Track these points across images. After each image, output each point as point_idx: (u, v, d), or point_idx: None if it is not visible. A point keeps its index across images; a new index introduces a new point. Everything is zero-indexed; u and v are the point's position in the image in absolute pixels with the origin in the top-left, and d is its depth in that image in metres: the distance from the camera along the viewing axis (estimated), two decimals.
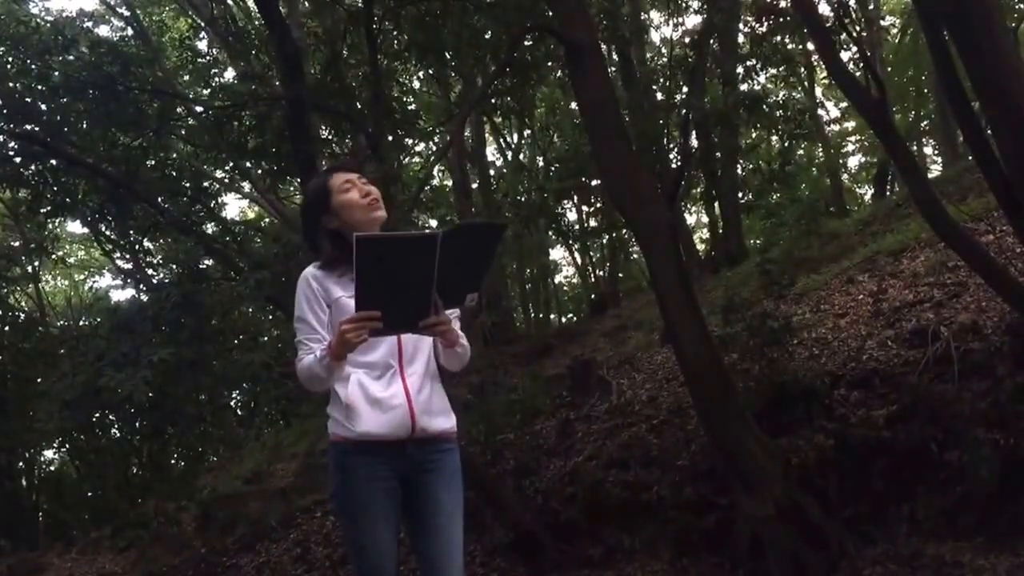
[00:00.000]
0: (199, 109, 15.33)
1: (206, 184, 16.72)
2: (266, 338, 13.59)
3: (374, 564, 3.82)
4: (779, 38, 18.01)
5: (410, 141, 19.63)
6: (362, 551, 3.86)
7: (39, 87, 12.57)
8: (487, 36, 15.49)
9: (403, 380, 3.76)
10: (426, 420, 3.77)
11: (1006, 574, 7.34)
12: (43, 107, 12.63)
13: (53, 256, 25.29)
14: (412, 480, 3.85)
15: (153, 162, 14.14)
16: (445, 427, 3.88)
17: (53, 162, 13.22)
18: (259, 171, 16.48)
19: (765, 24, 17.85)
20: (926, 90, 28.93)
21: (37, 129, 12.63)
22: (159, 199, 13.60)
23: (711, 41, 19.88)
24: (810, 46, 19.92)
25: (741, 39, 20.85)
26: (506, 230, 3.51)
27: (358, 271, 3.32)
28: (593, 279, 31.68)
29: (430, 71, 20.38)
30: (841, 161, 34.85)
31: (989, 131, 7.90)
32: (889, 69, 27.75)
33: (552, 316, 33.43)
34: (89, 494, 24.67)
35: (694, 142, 20.79)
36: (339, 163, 4.34)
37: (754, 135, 25.10)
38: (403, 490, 3.86)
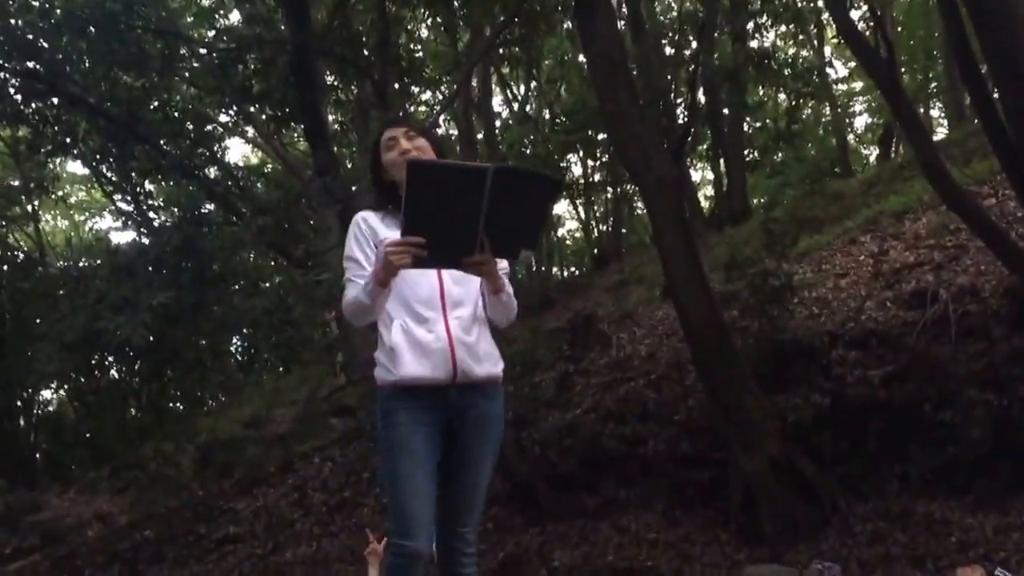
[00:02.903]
0: (203, 51, 15.19)
1: (209, 128, 16.67)
2: (267, 284, 13.60)
3: (407, 505, 3.80)
4: None
5: (416, 89, 19.56)
6: (397, 492, 3.85)
7: (41, 24, 12.45)
8: None
9: (446, 324, 3.78)
10: (469, 364, 3.78)
11: (993, 532, 7.40)
12: (45, 45, 12.51)
13: (53, 196, 25.28)
14: (453, 425, 3.87)
15: (156, 104, 14.06)
16: (491, 372, 3.88)
17: (54, 101, 13.15)
18: (263, 116, 16.38)
19: None
20: (935, 52, 28.81)
21: (38, 67, 12.55)
22: (161, 141, 13.55)
23: None
24: (820, 3, 19.77)
25: None
26: (561, 187, 3.47)
27: (407, 196, 3.30)
28: (596, 233, 31.66)
29: (438, 19, 20.29)
30: (848, 121, 34.77)
31: (996, 95, 7.87)
32: (899, 30, 27.65)
33: (555, 270, 33.43)
34: (88, 435, 24.76)
35: (701, 98, 20.74)
36: (391, 118, 4.38)
37: (761, 93, 25.01)
38: (445, 432, 3.89)
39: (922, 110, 29.81)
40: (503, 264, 3.75)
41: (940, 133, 27.82)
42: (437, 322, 3.78)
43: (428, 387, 3.77)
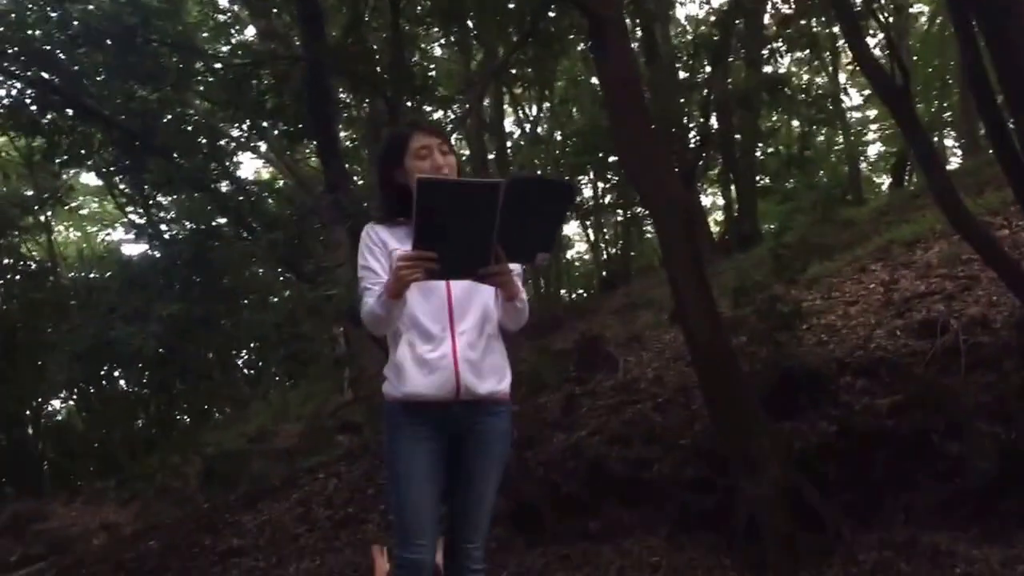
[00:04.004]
0: (218, 66, 15.24)
1: (222, 142, 16.72)
2: (277, 299, 13.62)
3: (410, 521, 3.86)
4: (805, 21, 17.94)
5: (428, 108, 19.60)
6: (401, 507, 3.92)
7: (58, 35, 12.50)
8: (511, 5, 15.44)
9: (452, 340, 3.78)
10: (473, 381, 3.79)
11: (999, 565, 7.32)
12: (61, 56, 12.56)
13: (66, 207, 25.36)
14: (457, 442, 3.91)
15: (170, 117, 14.10)
16: (494, 389, 3.89)
17: (69, 112, 13.18)
18: (276, 131, 16.43)
19: (792, 5, 17.79)
20: (950, 80, 28.77)
21: (54, 78, 12.59)
22: (174, 155, 13.58)
23: (737, 21, 19.82)
24: (836, 30, 19.78)
25: (767, 20, 20.73)
26: (575, 192, 3.44)
27: (417, 213, 3.29)
28: (605, 256, 31.64)
29: (451, 38, 20.35)
30: (861, 148, 34.72)
31: (1011, 125, 7.84)
32: (915, 58, 27.64)
33: (563, 291, 33.39)
34: (95, 445, 24.79)
35: (714, 123, 20.74)
36: (424, 123, 4.34)
37: (775, 118, 25.01)
38: (451, 448, 3.92)
39: (936, 139, 29.77)
40: (516, 268, 3.74)
41: (954, 163, 27.79)
42: (443, 339, 3.80)
43: (432, 403, 3.80)
